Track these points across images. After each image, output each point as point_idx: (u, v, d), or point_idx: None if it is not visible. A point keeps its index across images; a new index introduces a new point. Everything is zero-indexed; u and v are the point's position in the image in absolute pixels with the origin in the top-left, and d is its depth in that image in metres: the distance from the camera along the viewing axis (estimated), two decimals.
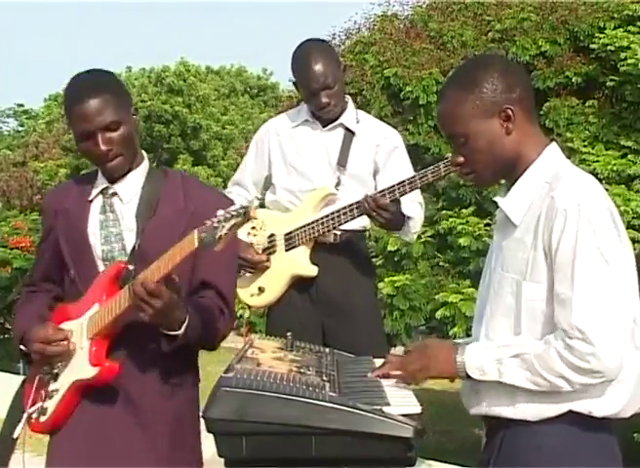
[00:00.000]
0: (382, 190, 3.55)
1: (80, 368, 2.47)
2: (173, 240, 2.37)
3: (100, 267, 2.56)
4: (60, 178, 17.76)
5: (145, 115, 18.11)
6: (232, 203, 2.67)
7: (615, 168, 5.84)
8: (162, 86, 19.31)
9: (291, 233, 3.70)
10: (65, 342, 2.48)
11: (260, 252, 3.74)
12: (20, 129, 28.40)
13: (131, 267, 2.48)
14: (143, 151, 2.66)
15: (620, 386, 2.07)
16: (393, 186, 3.53)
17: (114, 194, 2.59)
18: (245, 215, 2.13)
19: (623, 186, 5.80)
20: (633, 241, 5.50)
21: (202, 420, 2.12)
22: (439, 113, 2.23)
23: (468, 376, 2.12)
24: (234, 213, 2.13)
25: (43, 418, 2.53)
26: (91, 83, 2.54)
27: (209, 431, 2.03)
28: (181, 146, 18.83)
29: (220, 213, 2.15)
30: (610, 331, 1.98)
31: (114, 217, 2.57)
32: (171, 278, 2.32)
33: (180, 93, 19.21)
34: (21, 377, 2.73)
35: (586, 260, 2.00)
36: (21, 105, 29.44)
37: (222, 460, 2.07)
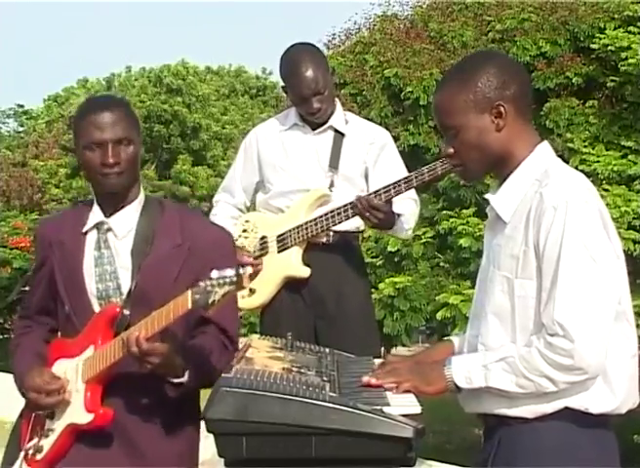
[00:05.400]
0: (377, 190, 3.52)
1: (75, 411, 2.46)
2: (169, 279, 2.38)
3: (95, 305, 2.52)
4: (60, 178, 17.79)
5: (145, 115, 18.10)
6: (231, 238, 2.67)
7: (615, 168, 5.85)
8: (162, 86, 19.31)
9: (283, 234, 3.67)
10: (61, 395, 2.46)
11: (252, 255, 3.71)
12: (20, 129, 28.39)
13: (126, 312, 2.46)
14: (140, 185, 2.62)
15: (615, 383, 2.07)
16: (388, 186, 3.49)
17: (109, 229, 2.54)
18: (237, 285, 2.14)
19: (624, 187, 5.81)
20: (634, 241, 5.51)
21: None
22: (434, 103, 2.24)
23: (458, 388, 2.11)
24: (228, 279, 2.14)
25: (39, 456, 2.52)
26: (108, 98, 2.60)
27: (209, 431, 2.03)
28: (181, 146, 18.82)
29: (215, 275, 2.15)
30: (591, 327, 1.98)
31: (109, 254, 2.53)
32: (166, 329, 2.33)
33: (179, 93, 19.20)
34: None
35: (572, 257, 2.00)
36: (22, 106, 29.45)
37: (222, 460, 2.07)
